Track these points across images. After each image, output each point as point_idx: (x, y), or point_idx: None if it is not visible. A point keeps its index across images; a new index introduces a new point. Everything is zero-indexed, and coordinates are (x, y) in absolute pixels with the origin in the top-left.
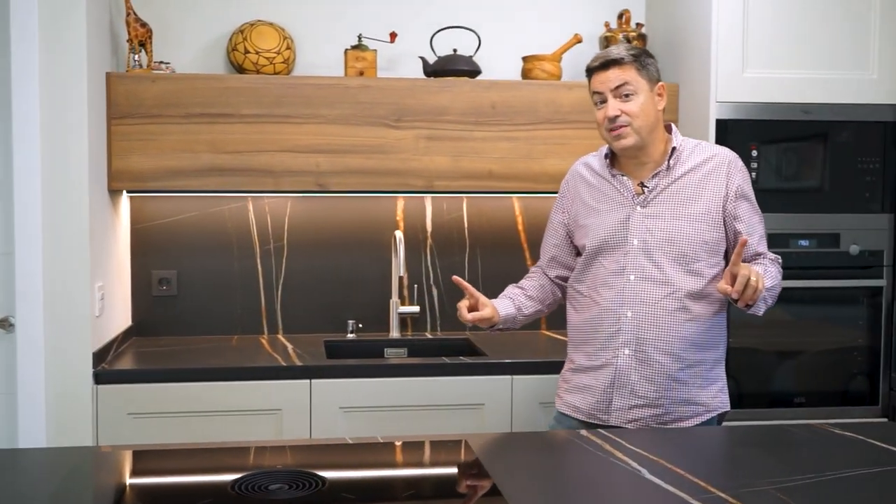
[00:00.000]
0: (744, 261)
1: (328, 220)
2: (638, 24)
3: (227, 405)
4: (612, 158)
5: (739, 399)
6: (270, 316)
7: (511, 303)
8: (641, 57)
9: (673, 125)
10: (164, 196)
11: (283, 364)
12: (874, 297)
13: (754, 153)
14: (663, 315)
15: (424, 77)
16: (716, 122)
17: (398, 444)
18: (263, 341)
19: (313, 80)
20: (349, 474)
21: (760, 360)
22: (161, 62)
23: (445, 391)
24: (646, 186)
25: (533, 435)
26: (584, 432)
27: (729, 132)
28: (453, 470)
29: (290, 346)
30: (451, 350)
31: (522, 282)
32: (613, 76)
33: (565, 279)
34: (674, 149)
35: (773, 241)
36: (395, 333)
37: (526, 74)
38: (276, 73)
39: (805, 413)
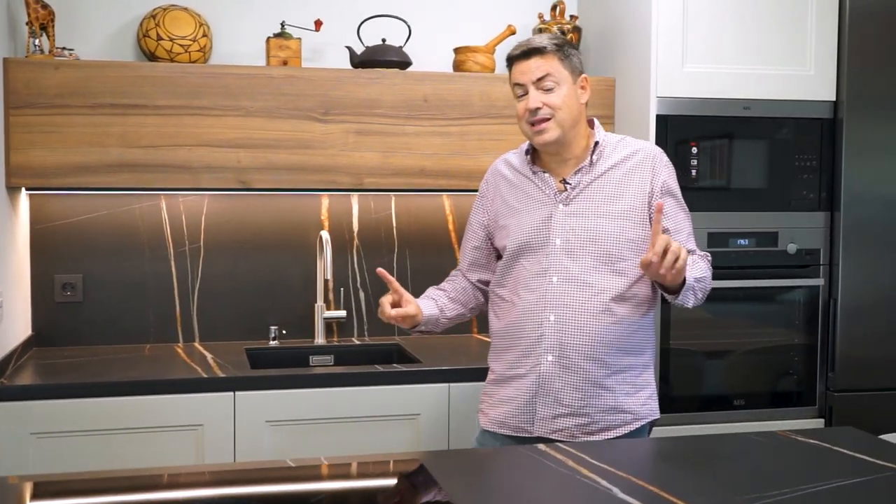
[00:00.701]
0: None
1: (248, 219)
2: (572, 17)
3: (143, 422)
4: (533, 155)
5: (677, 403)
6: (186, 323)
7: (434, 303)
8: (564, 47)
9: (595, 119)
10: (67, 194)
11: (204, 375)
12: (811, 296)
13: (694, 150)
14: (587, 318)
15: (353, 68)
16: (656, 117)
17: (348, 465)
18: (179, 350)
19: (234, 69)
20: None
21: (697, 361)
22: (63, 48)
23: (379, 401)
24: (568, 184)
25: (491, 452)
26: (542, 447)
27: (669, 128)
28: (413, 495)
29: (209, 356)
30: (380, 356)
31: (443, 284)
32: (535, 66)
33: (487, 283)
34: (596, 143)
35: (712, 240)
36: (320, 340)
37: (458, 66)
38: (191, 63)
39: (743, 416)
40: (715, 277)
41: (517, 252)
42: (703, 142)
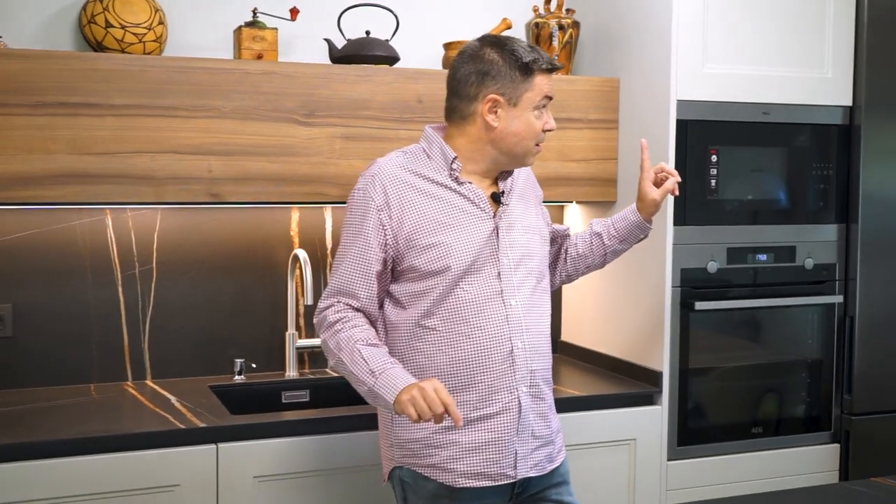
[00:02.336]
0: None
1: (206, 236)
2: (569, 11)
3: (108, 485)
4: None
5: (696, 433)
6: (136, 358)
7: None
8: None
9: None
10: None
11: (181, 426)
12: (828, 314)
13: (714, 158)
14: (545, 341)
15: (334, 63)
16: (676, 122)
17: None
18: (131, 390)
19: (204, 62)
20: None
21: (714, 386)
22: None
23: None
24: (501, 196)
25: None
26: None
27: (689, 134)
28: None
29: (171, 398)
30: None
31: (367, 335)
32: (552, 84)
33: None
34: None
35: (732, 255)
36: (292, 373)
37: (449, 63)
38: (146, 54)
39: (762, 444)
40: (733, 297)
41: (462, 273)
42: (722, 149)
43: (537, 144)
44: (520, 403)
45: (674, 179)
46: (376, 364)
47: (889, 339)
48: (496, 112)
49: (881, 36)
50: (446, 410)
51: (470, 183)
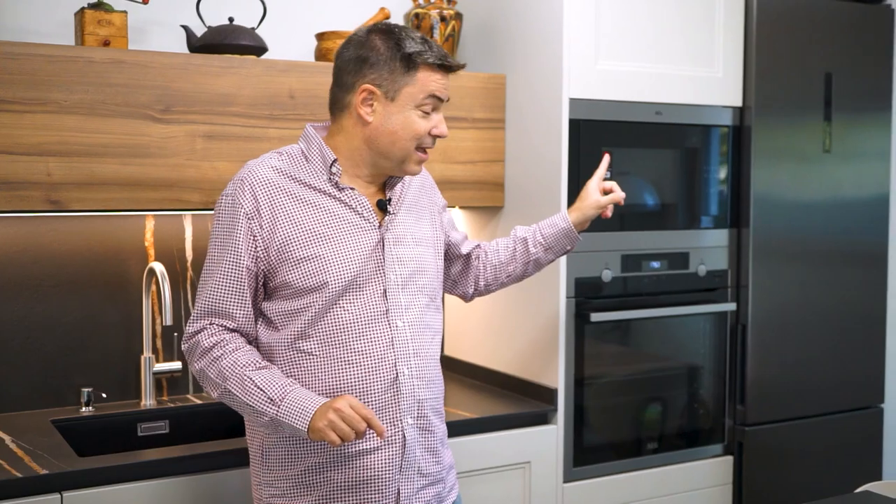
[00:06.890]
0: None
1: (48, 248)
2: (451, 1)
3: None
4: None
5: (589, 452)
6: None
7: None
8: None
9: None
10: None
11: (18, 474)
12: (721, 322)
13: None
14: (434, 366)
15: (193, 53)
16: (569, 122)
17: None
18: None
19: (40, 48)
20: None
21: (606, 402)
22: None
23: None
24: (388, 204)
25: None
26: None
27: (582, 135)
28: None
29: (7, 437)
30: (223, 419)
31: (252, 357)
32: (448, 85)
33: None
34: None
35: (626, 263)
36: (149, 401)
37: (322, 55)
38: None
39: (656, 461)
40: (626, 307)
41: (342, 291)
42: (616, 151)
43: (422, 150)
44: (404, 437)
45: (621, 195)
46: (274, 390)
47: (782, 347)
48: (371, 105)
49: (770, 35)
50: (368, 425)
51: (352, 189)
